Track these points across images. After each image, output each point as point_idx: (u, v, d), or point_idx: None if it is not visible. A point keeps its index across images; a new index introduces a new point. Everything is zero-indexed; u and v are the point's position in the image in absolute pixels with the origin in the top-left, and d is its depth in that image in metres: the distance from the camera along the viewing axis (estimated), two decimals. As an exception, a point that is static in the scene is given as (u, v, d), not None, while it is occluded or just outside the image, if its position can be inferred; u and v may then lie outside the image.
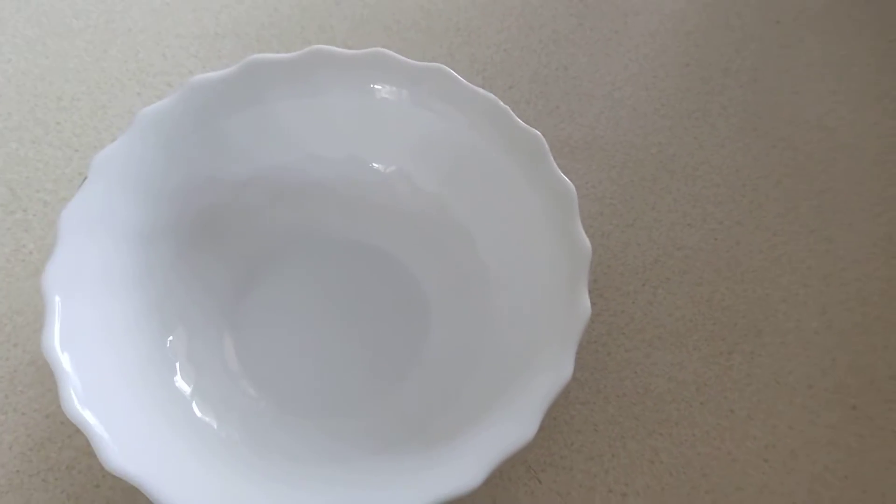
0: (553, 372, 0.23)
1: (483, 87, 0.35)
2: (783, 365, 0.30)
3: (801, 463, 0.28)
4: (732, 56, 0.37)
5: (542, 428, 0.28)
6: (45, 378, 0.28)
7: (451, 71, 0.28)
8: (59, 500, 0.26)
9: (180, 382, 0.26)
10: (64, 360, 0.22)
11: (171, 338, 0.26)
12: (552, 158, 0.26)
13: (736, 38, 0.38)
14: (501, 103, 0.27)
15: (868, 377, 0.30)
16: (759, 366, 0.30)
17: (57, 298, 0.23)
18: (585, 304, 0.24)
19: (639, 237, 0.32)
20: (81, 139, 0.32)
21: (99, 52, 0.35)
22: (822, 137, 0.35)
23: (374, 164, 0.30)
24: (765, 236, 0.32)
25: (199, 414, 0.26)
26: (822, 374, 0.30)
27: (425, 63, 0.28)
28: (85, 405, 0.22)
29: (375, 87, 0.28)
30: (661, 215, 0.33)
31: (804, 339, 0.30)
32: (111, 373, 0.24)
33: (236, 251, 0.29)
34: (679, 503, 0.27)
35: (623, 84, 0.36)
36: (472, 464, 0.22)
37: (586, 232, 0.32)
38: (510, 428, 0.23)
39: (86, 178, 0.25)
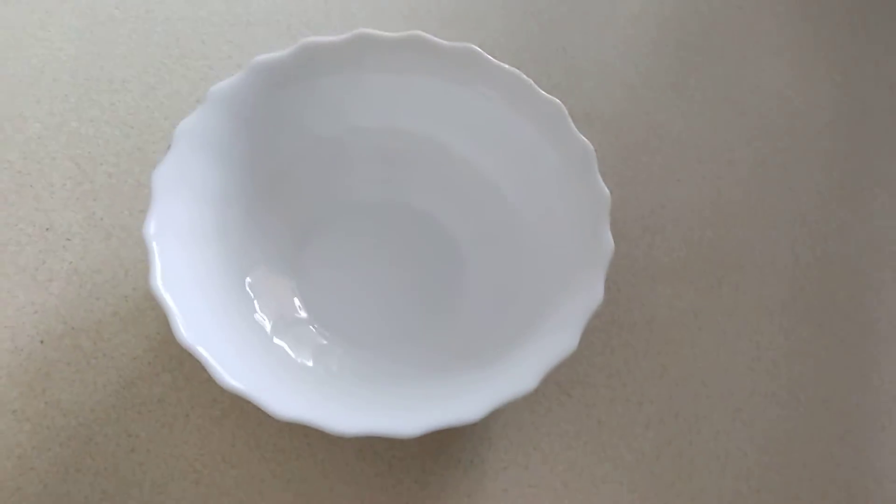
0: (587, 294, 0.28)
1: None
2: (762, 292, 0.35)
3: (781, 371, 0.34)
4: (702, 37, 0.43)
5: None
6: (128, 326, 0.31)
7: (480, 49, 0.32)
8: (154, 428, 0.30)
9: (260, 318, 0.30)
10: (168, 298, 0.26)
11: (248, 279, 0.30)
12: (571, 122, 0.31)
13: (705, 22, 0.43)
14: (524, 76, 0.32)
15: (830, 299, 0.36)
16: (743, 293, 0.35)
17: (155, 245, 0.27)
18: (609, 239, 0.29)
19: (636, 192, 0.37)
20: (136, 117, 0.36)
21: (143, 39, 0.38)
22: (782, 104, 0.41)
23: (412, 134, 0.34)
24: (740, 188, 0.38)
25: (278, 343, 0.29)
26: (793, 299, 0.35)
27: (456, 43, 0.32)
28: (192, 336, 0.26)
29: (412, 65, 0.33)
30: (653, 173, 0.38)
31: (777, 271, 0.36)
32: (202, 309, 0.27)
33: (294, 212, 0.33)
34: (684, 406, 0.32)
35: (614, 61, 0.41)
36: (527, 372, 0.27)
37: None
38: (556, 341, 0.27)
39: (170, 146, 0.29)
